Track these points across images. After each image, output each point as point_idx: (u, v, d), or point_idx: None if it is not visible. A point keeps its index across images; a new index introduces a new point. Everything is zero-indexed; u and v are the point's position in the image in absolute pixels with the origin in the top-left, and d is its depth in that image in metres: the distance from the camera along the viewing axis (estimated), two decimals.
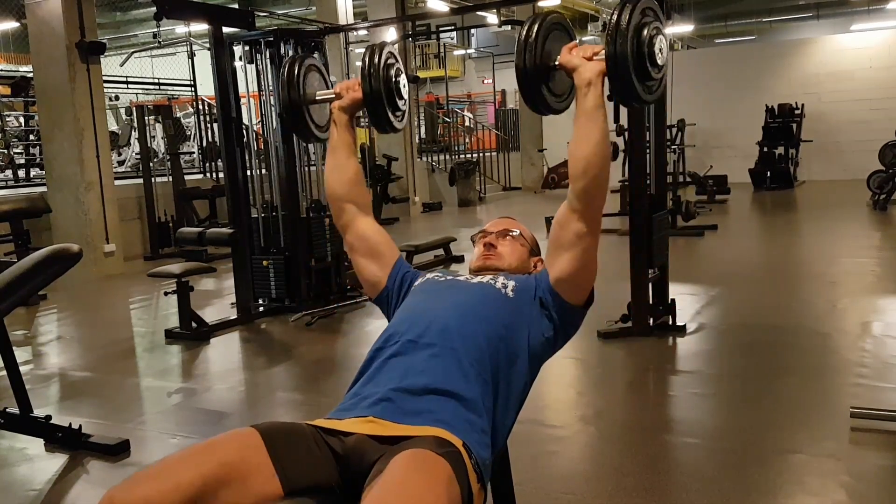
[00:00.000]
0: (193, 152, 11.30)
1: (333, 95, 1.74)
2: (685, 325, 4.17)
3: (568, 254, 1.54)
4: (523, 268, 1.78)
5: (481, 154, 14.69)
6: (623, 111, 4.32)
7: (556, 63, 1.49)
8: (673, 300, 4.19)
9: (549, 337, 1.59)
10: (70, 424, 2.87)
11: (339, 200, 1.77)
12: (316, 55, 5.19)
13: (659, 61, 1.43)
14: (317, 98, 1.78)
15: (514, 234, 1.81)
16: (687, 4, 16.94)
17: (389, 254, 1.76)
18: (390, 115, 1.71)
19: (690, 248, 7.17)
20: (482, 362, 1.47)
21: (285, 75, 1.77)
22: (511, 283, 1.62)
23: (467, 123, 16.64)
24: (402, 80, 1.70)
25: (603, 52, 1.44)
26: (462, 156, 14.47)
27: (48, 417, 2.89)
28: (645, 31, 1.41)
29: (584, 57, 1.46)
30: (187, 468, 1.26)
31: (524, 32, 1.47)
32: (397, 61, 1.73)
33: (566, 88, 1.56)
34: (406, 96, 1.73)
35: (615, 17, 1.40)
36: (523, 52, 1.46)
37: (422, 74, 14.91)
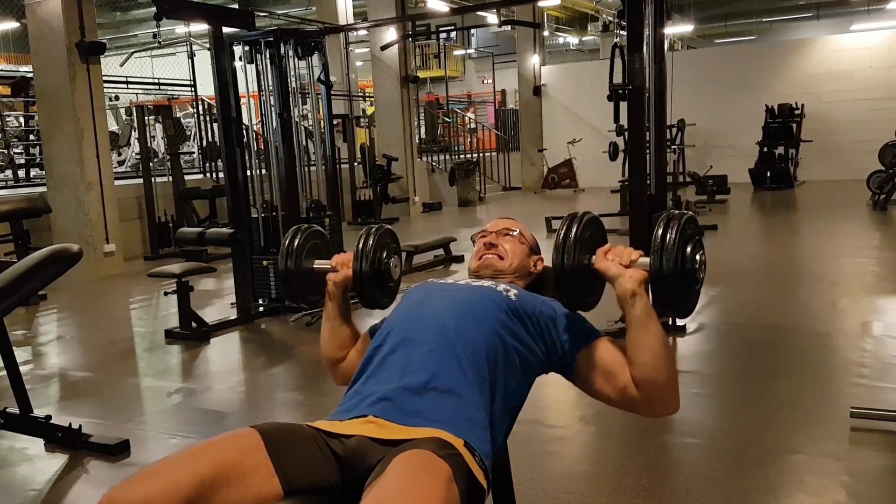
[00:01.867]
0: (193, 152, 11.30)
1: (329, 268, 1.76)
2: (685, 325, 4.17)
3: (610, 392, 1.49)
4: (523, 267, 1.78)
5: (481, 154, 14.69)
6: (623, 111, 4.33)
7: (592, 265, 1.47)
8: None
9: (540, 362, 1.57)
10: (70, 424, 2.87)
11: (335, 363, 1.81)
12: (316, 57, 5.19)
13: (700, 276, 1.43)
14: (314, 267, 1.81)
15: (514, 233, 1.81)
16: (687, 4, 16.96)
17: (365, 341, 1.74)
18: (378, 295, 1.74)
19: None
20: (479, 360, 1.47)
21: (285, 245, 1.79)
22: (513, 291, 1.62)
23: (471, 125, 16.67)
24: (394, 261, 1.74)
25: (641, 258, 1.43)
26: (462, 156, 14.48)
27: (48, 417, 2.89)
28: (688, 247, 1.40)
29: (621, 263, 1.44)
30: (186, 468, 1.26)
31: (563, 232, 1.46)
32: (393, 242, 1.76)
33: (597, 285, 1.54)
34: (396, 277, 1.76)
35: (660, 231, 1.39)
36: (562, 253, 1.45)
37: (422, 74, 14.91)
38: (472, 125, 16.55)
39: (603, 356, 1.50)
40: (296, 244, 1.79)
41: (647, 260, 1.42)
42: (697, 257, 1.41)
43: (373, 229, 1.75)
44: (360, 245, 1.71)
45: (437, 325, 1.52)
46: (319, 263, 1.81)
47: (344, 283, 1.74)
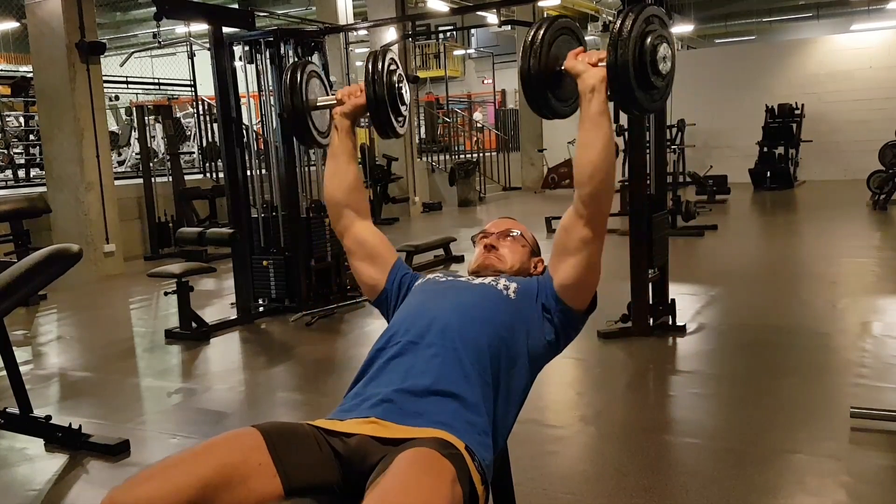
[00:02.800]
0: (193, 152, 11.30)
1: (335, 101, 1.74)
2: (685, 325, 4.17)
3: (573, 259, 1.54)
4: (524, 269, 1.78)
5: (481, 154, 14.69)
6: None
7: (562, 68, 1.48)
8: (673, 300, 4.19)
9: (551, 340, 1.59)
10: (70, 424, 2.87)
11: (338, 206, 1.78)
12: (316, 58, 5.20)
13: (662, 70, 1.42)
14: (319, 104, 1.78)
15: (515, 234, 1.81)
16: (687, 4, 16.95)
17: (388, 256, 1.76)
18: (394, 120, 1.71)
19: (690, 248, 7.17)
20: (483, 363, 1.47)
21: (287, 81, 1.76)
22: (513, 285, 1.62)
23: (478, 124, 16.70)
24: (404, 85, 1.72)
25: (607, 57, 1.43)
26: (462, 156, 14.48)
27: (48, 417, 2.89)
28: (648, 40, 1.39)
29: (588, 63, 1.46)
30: (189, 469, 1.26)
31: (530, 35, 1.47)
32: (398, 67, 1.73)
33: (571, 93, 1.55)
34: (408, 101, 1.74)
35: (617, 24, 1.39)
36: (528, 56, 1.46)
37: (422, 74, 14.92)
38: (480, 125, 16.60)
39: (553, 252, 1.59)
40: (298, 79, 1.77)
41: None
42: (659, 51, 1.40)
43: (377, 53, 1.70)
44: (371, 68, 1.68)
45: (440, 329, 1.52)
46: (323, 100, 1.79)
47: (353, 113, 1.73)
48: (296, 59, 5.09)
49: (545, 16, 16.86)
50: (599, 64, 1.44)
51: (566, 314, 1.59)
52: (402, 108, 1.73)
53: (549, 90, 1.50)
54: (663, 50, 1.41)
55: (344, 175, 1.76)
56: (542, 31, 1.47)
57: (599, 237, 1.53)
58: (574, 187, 1.51)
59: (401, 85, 1.70)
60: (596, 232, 1.52)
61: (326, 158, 1.78)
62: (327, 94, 1.80)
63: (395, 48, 1.71)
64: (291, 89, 1.75)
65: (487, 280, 1.67)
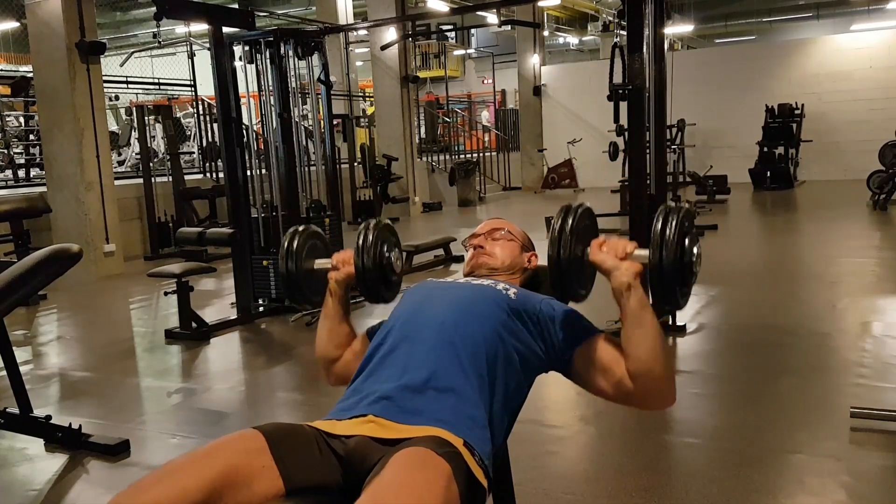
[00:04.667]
0: (193, 152, 11.30)
1: (330, 266, 1.76)
2: (685, 325, 4.17)
3: (606, 387, 1.48)
4: (517, 263, 1.78)
5: (481, 154, 14.71)
6: (623, 111, 4.33)
7: (587, 257, 1.46)
8: None
9: (540, 362, 1.56)
10: (70, 424, 2.86)
11: (332, 362, 1.78)
12: (316, 57, 5.19)
13: (696, 269, 1.42)
14: (315, 268, 1.80)
15: (503, 232, 1.82)
16: (687, 4, 16.96)
17: (363, 342, 1.73)
18: (381, 289, 1.73)
19: None
20: (479, 358, 1.47)
21: (285, 246, 1.78)
22: (513, 289, 1.62)
23: (486, 123, 16.76)
24: (395, 254, 1.73)
25: (635, 251, 1.42)
26: (462, 156, 14.49)
27: (48, 417, 2.89)
28: (687, 241, 1.39)
29: (616, 256, 1.43)
30: (193, 473, 1.25)
31: (558, 224, 1.45)
32: (392, 235, 1.75)
33: (590, 279, 1.54)
34: (398, 271, 1.75)
35: (660, 224, 1.38)
36: (557, 246, 1.43)
37: (422, 74, 14.91)
38: (487, 123, 16.63)
39: (599, 352, 1.49)
40: (295, 246, 1.78)
41: (642, 252, 1.41)
42: (695, 251, 1.40)
43: (371, 224, 1.73)
44: (360, 241, 1.70)
45: (437, 324, 1.52)
46: (320, 263, 1.80)
47: (346, 281, 1.73)
48: (297, 59, 5.09)
49: (545, 16, 16.87)
50: (628, 257, 1.42)
51: (563, 371, 1.56)
52: (393, 279, 1.75)
53: (575, 278, 1.48)
54: (697, 248, 1.41)
55: (336, 335, 1.76)
56: (569, 221, 1.45)
57: (648, 409, 1.52)
58: (626, 371, 1.44)
59: (390, 254, 1.72)
60: (649, 409, 1.52)
61: (320, 318, 1.79)
62: (328, 254, 1.80)
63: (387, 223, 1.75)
64: (287, 255, 1.77)
65: (486, 281, 1.67)
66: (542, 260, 1.87)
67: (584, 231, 1.48)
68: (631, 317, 1.41)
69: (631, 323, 1.42)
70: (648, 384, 1.42)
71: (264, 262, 5.06)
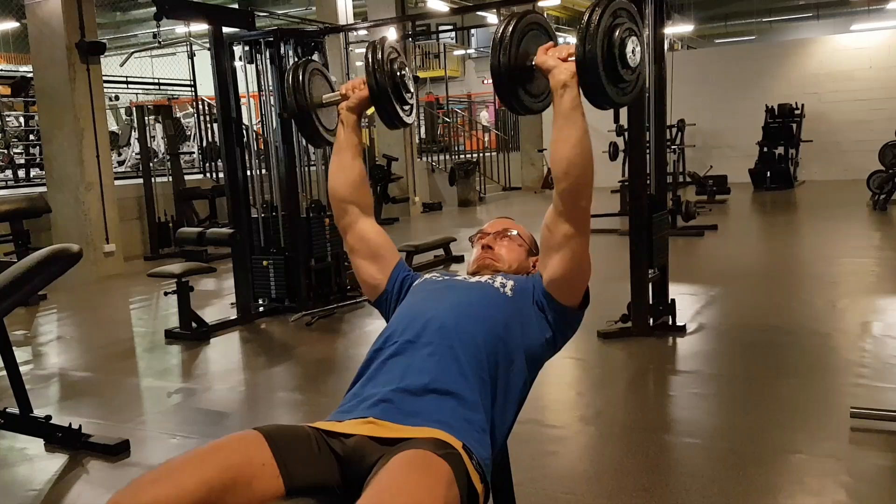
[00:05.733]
0: (193, 152, 11.31)
1: (340, 97, 1.73)
2: (685, 325, 4.17)
3: (558, 255, 1.53)
4: (522, 268, 1.78)
5: (481, 154, 14.71)
6: (623, 111, 4.33)
7: (532, 63, 1.47)
8: (673, 300, 4.19)
9: (549, 338, 1.59)
10: (70, 424, 2.87)
11: (342, 201, 1.76)
12: (316, 56, 5.20)
13: (631, 63, 1.40)
14: (324, 101, 1.77)
15: (513, 234, 1.81)
16: (687, 4, 16.96)
17: (390, 256, 1.76)
18: (398, 109, 1.69)
19: (690, 248, 7.17)
20: (480, 361, 1.47)
21: (290, 81, 1.75)
22: (510, 283, 1.62)
23: (485, 123, 16.78)
24: (407, 72, 1.69)
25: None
26: (462, 156, 14.49)
27: (48, 417, 2.89)
28: (616, 33, 1.38)
29: (559, 58, 1.44)
30: (194, 472, 1.25)
31: (500, 32, 1.45)
32: (400, 55, 1.71)
33: (543, 89, 1.53)
34: (413, 89, 1.72)
35: (584, 18, 1.38)
36: (497, 52, 1.44)
37: (422, 74, 14.92)
38: (486, 123, 16.63)
39: (540, 250, 1.59)
40: (301, 78, 1.76)
41: None
42: (628, 45, 1.39)
43: (376, 42, 1.68)
44: (370, 58, 1.66)
45: (437, 327, 1.52)
46: (328, 97, 1.78)
47: (359, 107, 1.72)
48: (297, 59, 5.10)
49: (545, 16, 16.85)
50: (570, 59, 1.43)
51: (559, 311, 1.58)
52: (407, 97, 1.70)
53: (520, 86, 1.48)
54: (632, 43, 1.40)
55: (350, 170, 1.75)
56: (511, 27, 1.45)
57: (582, 232, 1.51)
58: (554, 178, 1.50)
59: (403, 73, 1.67)
60: (577, 227, 1.50)
61: (332, 153, 1.77)
62: (332, 91, 1.78)
63: (392, 38, 1.71)
64: (295, 89, 1.73)
65: (484, 279, 1.67)
66: None
67: (532, 39, 1.48)
68: (561, 116, 1.44)
69: (560, 121, 1.45)
70: (567, 183, 1.46)
71: (264, 262, 5.07)
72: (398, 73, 1.67)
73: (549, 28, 1.54)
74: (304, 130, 1.79)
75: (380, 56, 1.64)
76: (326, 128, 1.82)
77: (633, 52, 1.40)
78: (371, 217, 1.78)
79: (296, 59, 5.10)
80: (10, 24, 13.56)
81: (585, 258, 1.55)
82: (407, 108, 1.73)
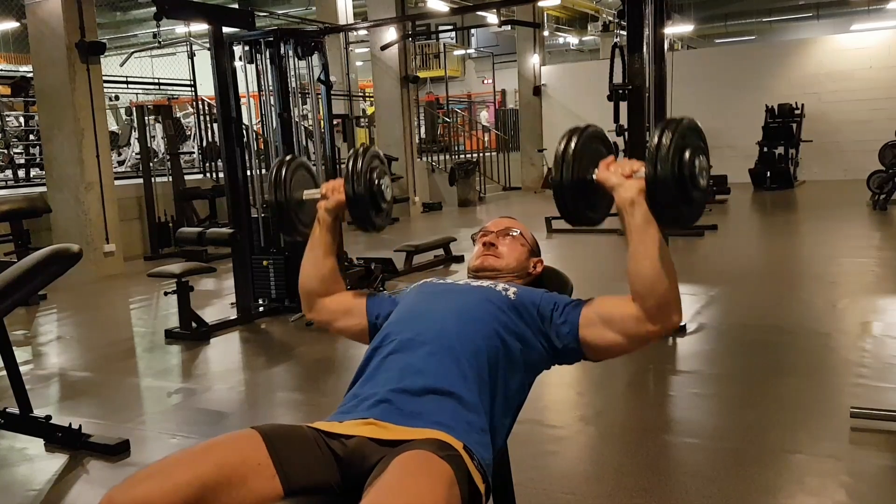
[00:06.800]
0: (193, 152, 11.30)
1: (319, 196, 1.75)
2: (685, 325, 4.17)
3: (615, 336, 1.49)
4: (523, 268, 1.78)
5: (481, 154, 14.71)
6: (623, 111, 4.33)
7: (594, 178, 1.45)
8: None
9: (548, 352, 1.57)
10: (70, 424, 2.86)
11: (311, 295, 1.77)
12: (316, 56, 5.19)
13: (701, 183, 1.38)
14: (304, 198, 1.79)
15: (515, 233, 1.81)
16: (687, 4, 16.96)
17: (359, 302, 1.74)
18: (372, 215, 1.72)
19: (690, 248, 7.17)
20: (480, 362, 1.47)
21: (272, 176, 1.77)
22: (513, 289, 1.62)
23: (485, 123, 16.81)
24: (385, 182, 1.72)
25: (642, 168, 1.40)
26: (462, 156, 14.49)
27: (48, 417, 2.88)
28: (686, 154, 1.36)
29: (622, 174, 1.41)
30: (188, 469, 1.26)
31: (562, 146, 1.43)
32: (382, 163, 1.74)
33: (601, 202, 1.50)
34: (388, 197, 1.74)
35: (655, 138, 1.36)
36: (560, 168, 1.42)
37: (422, 74, 14.91)
38: (486, 123, 16.65)
39: (598, 309, 1.51)
40: (283, 175, 1.77)
41: None
42: (697, 163, 1.37)
43: (360, 150, 1.71)
44: (350, 167, 1.67)
45: (436, 327, 1.51)
46: (309, 193, 1.79)
47: (336, 209, 1.72)
48: (297, 60, 5.10)
49: (545, 16, 16.88)
50: (634, 175, 1.41)
51: (575, 353, 1.56)
52: (383, 204, 1.73)
53: (581, 200, 1.46)
54: (700, 163, 1.37)
55: (321, 267, 1.75)
56: (573, 143, 1.43)
57: (658, 335, 1.48)
58: (634, 294, 1.44)
59: (381, 181, 1.70)
60: (659, 333, 1.47)
61: (306, 248, 1.78)
62: (316, 185, 1.79)
63: (376, 152, 1.74)
64: (276, 184, 1.75)
65: (486, 283, 1.66)
66: (547, 254, 1.87)
67: (592, 153, 1.46)
68: (635, 233, 1.41)
69: (635, 239, 1.41)
70: (657, 302, 1.41)
71: (264, 262, 5.06)
72: (375, 183, 1.69)
73: (608, 140, 1.52)
74: (280, 225, 1.82)
75: (360, 164, 1.67)
76: (303, 222, 1.82)
77: (702, 172, 1.38)
78: (343, 290, 1.78)
79: (296, 60, 5.11)
80: (10, 24, 13.56)
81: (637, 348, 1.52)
82: (381, 213, 1.75)
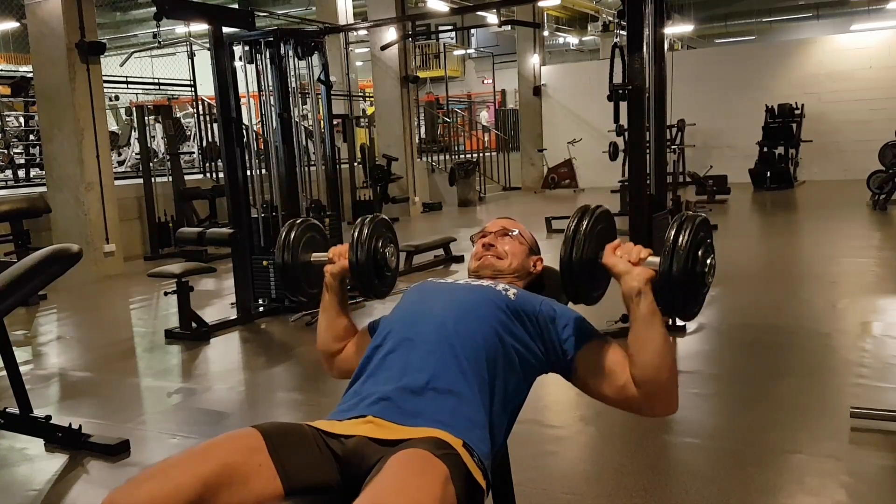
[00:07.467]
0: (193, 152, 11.30)
1: (327, 260, 1.76)
2: (685, 325, 4.17)
3: (609, 391, 1.48)
4: (523, 267, 1.78)
5: (481, 154, 14.71)
6: (623, 111, 4.33)
7: (600, 261, 1.45)
8: None
9: (542, 360, 1.56)
10: (70, 424, 2.87)
11: (333, 356, 1.81)
12: (316, 56, 5.19)
13: (708, 281, 1.39)
14: (312, 260, 1.80)
15: (514, 233, 1.81)
16: (687, 4, 16.97)
17: (364, 337, 1.75)
18: (375, 282, 1.74)
19: None
20: (479, 360, 1.47)
21: (282, 238, 1.79)
22: (513, 290, 1.62)
23: (485, 123, 16.85)
24: (390, 250, 1.74)
25: (649, 257, 1.41)
26: (462, 156, 14.49)
27: (48, 417, 2.89)
28: (700, 252, 1.37)
29: (630, 261, 1.41)
30: (189, 470, 1.26)
31: (573, 225, 1.44)
32: (388, 231, 1.76)
33: (602, 282, 1.51)
34: (393, 266, 1.76)
35: (673, 232, 1.36)
36: (570, 247, 1.42)
37: (422, 74, 14.92)
38: (486, 123, 16.67)
39: (602, 356, 1.49)
40: (292, 237, 1.79)
41: (655, 259, 1.40)
42: (708, 261, 1.38)
43: (367, 219, 1.74)
44: (356, 235, 1.70)
45: (436, 325, 1.52)
46: (317, 256, 1.80)
47: (341, 274, 1.74)
48: (297, 60, 5.10)
49: (545, 16, 16.87)
50: (641, 263, 1.41)
51: (564, 374, 1.55)
52: (387, 273, 1.75)
53: (586, 279, 1.47)
54: (711, 260, 1.39)
55: (336, 328, 1.78)
56: (585, 222, 1.44)
57: (651, 415, 1.50)
58: (631, 377, 1.43)
59: (385, 250, 1.73)
60: (650, 415, 1.49)
61: (319, 311, 1.81)
62: (326, 247, 1.81)
63: (381, 226, 1.78)
64: (285, 246, 1.77)
65: (486, 282, 1.67)
66: (548, 262, 1.87)
67: (600, 234, 1.47)
68: (640, 322, 1.40)
69: (639, 328, 1.40)
70: (654, 391, 1.42)
71: (264, 262, 5.06)
72: (380, 252, 1.72)
73: (613, 222, 1.53)
74: (286, 285, 1.83)
75: (365, 233, 1.70)
76: (310, 284, 1.83)
77: (710, 269, 1.39)
78: (352, 339, 1.80)
79: (296, 60, 5.11)
80: (10, 24, 13.56)
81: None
82: (385, 281, 1.77)
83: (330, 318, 1.79)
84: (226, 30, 4.93)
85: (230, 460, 1.29)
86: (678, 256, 1.35)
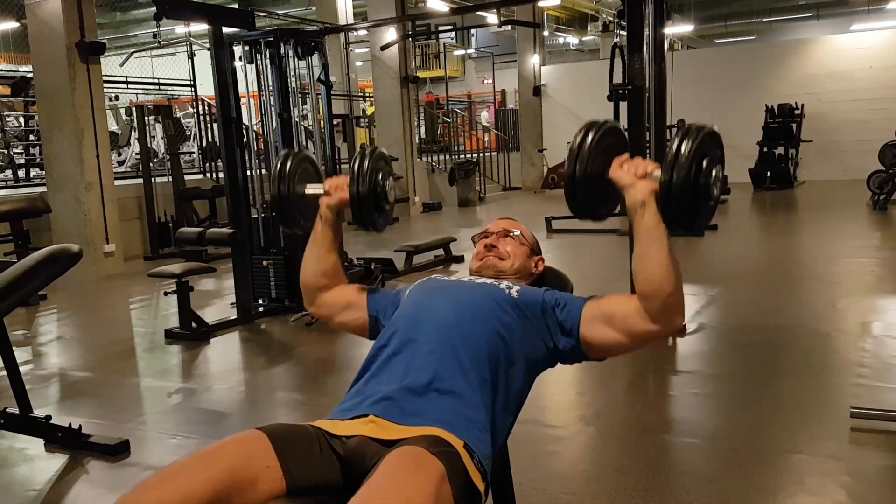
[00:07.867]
0: (193, 152, 11.30)
1: (322, 192, 1.75)
2: (685, 326, 4.17)
3: (616, 334, 1.50)
4: (524, 267, 1.78)
5: (481, 154, 14.71)
6: (623, 111, 4.34)
7: (607, 176, 1.45)
8: None
9: (551, 349, 1.57)
10: (70, 424, 2.86)
11: (311, 290, 1.78)
12: (316, 56, 5.19)
13: (714, 193, 1.38)
14: (307, 192, 1.79)
15: (515, 234, 1.81)
16: (687, 4, 16.96)
17: (360, 296, 1.75)
18: (374, 216, 1.72)
19: (690, 248, 7.17)
20: (481, 360, 1.47)
21: (277, 169, 1.77)
22: (516, 287, 1.62)
23: (485, 123, 16.86)
24: (389, 183, 1.72)
25: (655, 171, 1.40)
26: (462, 156, 14.49)
27: (48, 417, 2.88)
28: (704, 163, 1.35)
29: (635, 174, 1.42)
30: (197, 474, 1.25)
31: (578, 140, 1.44)
32: (387, 164, 1.74)
33: (610, 196, 1.50)
34: (391, 199, 1.74)
35: (675, 144, 1.35)
36: (574, 162, 1.42)
37: (422, 74, 14.92)
38: (486, 123, 16.68)
39: (600, 307, 1.52)
40: (288, 168, 1.77)
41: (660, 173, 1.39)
42: (713, 173, 1.36)
43: (366, 151, 1.72)
44: (356, 167, 1.68)
45: (439, 326, 1.52)
46: (312, 188, 1.79)
47: (337, 206, 1.73)
48: (297, 60, 5.10)
49: (545, 16, 16.88)
50: (648, 177, 1.41)
51: (576, 352, 1.56)
52: (385, 206, 1.74)
53: (592, 194, 1.46)
54: (716, 171, 1.37)
55: (323, 263, 1.75)
56: (589, 137, 1.43)
57: (660, 335, 1.48)
58: (638, 294, 1.45)
59: (385, 183, 1.71)
60: (661, 333, 1.47)
61: (308, 243, 1.78)
62: (320, 180, 1.79)
63: (383, 154, 1.76)
64: (280, 177, 1.75)
65: (489, 280, 1.67)
66: (549, 259, 1.87)
67: (607, 149, 1.46)
68: (643, 233, 1.41)
69: (643, 240, 1.42)
70: (660, 303, 1.42)
71: (264, 262, 5.06)
72: (380, 184, 1.70)
73: (623, 136, 1.52)
74: (282, 217, 1.81)
75: (365, 165, 1.68)
76: (304, 216, 1.82)
77: (716, 182, 1.37)
78: (344, 285, 1.79)
79: (296, 60, 5.12)
80: (10, 24, 13.56)
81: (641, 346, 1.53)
82: (383, 214, 1.75)
83: (319, 252, 1.76)
84: (226, 30, 4.93)
85: (238, 464, 1.28)
86: (679, 167, 1.34)
